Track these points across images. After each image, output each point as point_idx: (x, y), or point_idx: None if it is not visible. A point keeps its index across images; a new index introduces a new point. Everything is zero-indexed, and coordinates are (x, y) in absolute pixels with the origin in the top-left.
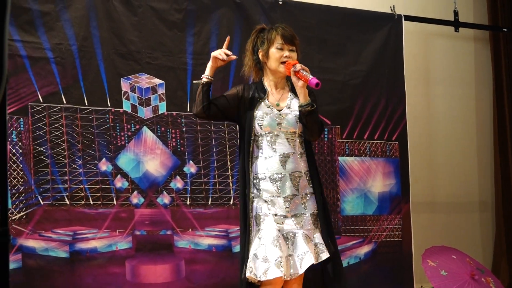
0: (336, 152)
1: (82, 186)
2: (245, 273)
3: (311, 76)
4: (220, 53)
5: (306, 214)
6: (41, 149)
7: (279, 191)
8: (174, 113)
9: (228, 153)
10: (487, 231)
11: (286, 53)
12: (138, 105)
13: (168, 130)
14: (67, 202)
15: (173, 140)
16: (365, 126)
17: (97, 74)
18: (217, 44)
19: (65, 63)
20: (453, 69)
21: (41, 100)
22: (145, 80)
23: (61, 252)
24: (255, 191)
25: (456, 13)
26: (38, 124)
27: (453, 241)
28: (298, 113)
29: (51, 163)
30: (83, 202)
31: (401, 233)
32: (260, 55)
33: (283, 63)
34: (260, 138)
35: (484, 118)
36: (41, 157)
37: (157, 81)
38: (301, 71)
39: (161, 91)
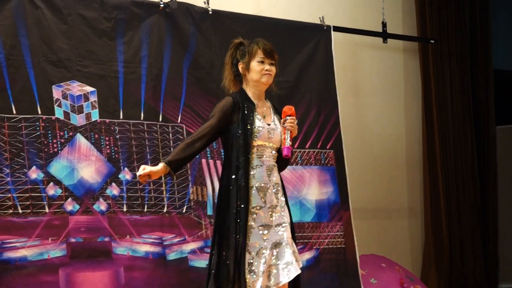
0: None
1: (10, 195)
2: (228, 283)
3: (287, 144)
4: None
5: (285, 223)
6: None
7: (264, 201)
8: (107, 120)
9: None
10: (416, 239)
11: (267, 66)
12: (70, 112)
13: (101, 137)
14: None
15: (107, 147)
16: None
17: (26, 82)
18: (148, 52)
19: None
20: (382, 80)
21: None
22: (77, 88)
23: None
24: (241, 201)
25: (384, 25)
26: None
27: (383, 248)
28: (280, 130)
29: None
30: (11, 211)
31: (343, 240)
32: (240, 67)
33: (264, 75)
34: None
35: (413, 127)
36: None
37: (89, 88)
38: (286, 131)
39: (93, 98)
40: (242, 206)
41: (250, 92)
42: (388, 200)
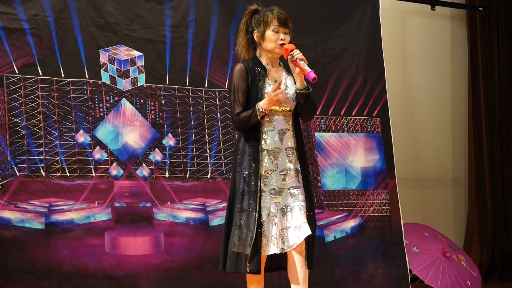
0: (312, 127)
1: (58, 158)
2: (240, 246)
3: (309, 69)
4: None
5: (299, 187)
6: (17, 120)
7: (276, 165)
8: (153, 85)
9: (206, 126)
10: (459, 209)
11: (282, 35)
12: (117, 77)
13: (147, 102)
14: (43, 173)
15: (152, 112)
16: (341, 103)
17: (74, 46)
18: (195, 17)
19: (41, 34)
20: (429, 47)
21: (17, 72)
22: (124, 52)
23: (36, 223)
24: (253, 165)
25: None
26: (14, 95)
27: (426, 217)
28: (293, 91)
29: (26, 134)
30: (59, 174)
31: (389, 208)
32: (255, 35)
33: (280, 45)
34: None
35: (459, 96)
36: (17, 128)
37: (136, 53)
38: (298, 60)
39: (140, 63)
40: (253, 170)
41: (263, 58)
42: (432, 169)
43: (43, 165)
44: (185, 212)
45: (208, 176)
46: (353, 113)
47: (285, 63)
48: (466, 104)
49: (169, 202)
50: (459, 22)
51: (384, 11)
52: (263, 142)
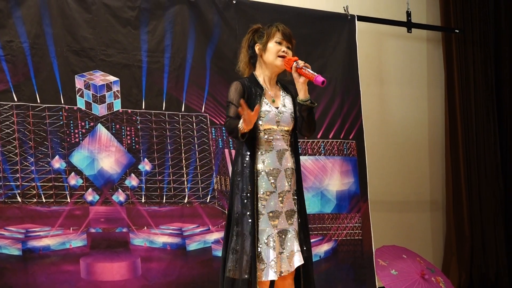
0: None
1: (34, 184)
2: (236, 271)
3: (316, 74)
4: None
5: (296, 211)
6: None
7: (275, 187)
8: (129, 110)
9: (183, 151)
10: (437, 231)
11: (284, 48)
12: (92, 102)
13: (123, 127)
14: (19, 199)
15: (128, 137)
16: (318, 126)
17: (50, 72)
18: (171, 42)
19: (16, 60)
20: (405, 69)
21: None
22: (100, 77)
23: (13, 249)
24: (249, 187)
25: (408, 14)
26: None
27: (404, 240)
28: (292, 111)
29: (2, 160)
30: (35, 200)
31: (361, 232)
32: (257, 48)
33: (280, 57)
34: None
35: (436, 118)
36: None
37: (112, 78)
38: (304, 68)
39: (116, 88)
40: (251, 192)
41: (261, 75)
42: (410, 191)
43: (19, 191)
44: (161, 237)
45: (185, 201)
46: (330, 136)
47: (282, 83)
48: (443, 126)
49: (145, 227)
50: (435, 44)
51: (360, 34)
52: (261, 163)
